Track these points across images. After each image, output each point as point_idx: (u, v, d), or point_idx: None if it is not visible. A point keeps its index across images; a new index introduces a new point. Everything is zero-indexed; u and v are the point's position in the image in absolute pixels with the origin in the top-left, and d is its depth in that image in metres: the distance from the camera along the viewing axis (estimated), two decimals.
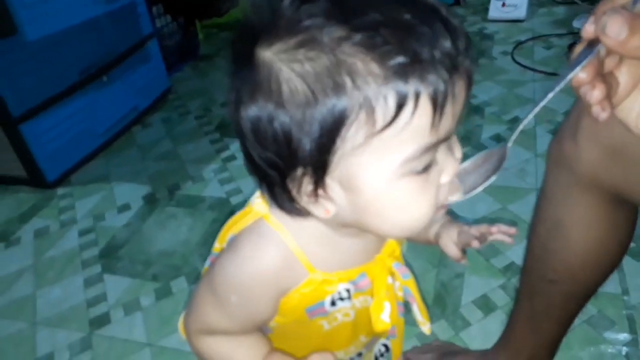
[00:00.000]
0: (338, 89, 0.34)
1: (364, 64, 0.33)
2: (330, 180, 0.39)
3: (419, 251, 1.27)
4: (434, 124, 0.35)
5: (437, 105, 0.34)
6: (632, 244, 1.22)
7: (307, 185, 0.39)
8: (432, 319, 1.14)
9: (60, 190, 1.77)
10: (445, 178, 0.40)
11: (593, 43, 0.33)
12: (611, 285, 1.16)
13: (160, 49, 2.21)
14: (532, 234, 0.77)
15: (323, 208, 0.41)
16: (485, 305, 1.16)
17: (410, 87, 0.33)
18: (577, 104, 0.65)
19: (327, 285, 0.49)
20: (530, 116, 0.38)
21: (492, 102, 1.94)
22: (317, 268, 0.48)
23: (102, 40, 1.87)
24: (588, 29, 0.33)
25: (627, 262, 1.21)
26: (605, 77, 0.36)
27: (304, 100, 0.35)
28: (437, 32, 0.34)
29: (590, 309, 1.11)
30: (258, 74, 0.36)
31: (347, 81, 0.33)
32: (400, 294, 0.54)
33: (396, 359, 0.63)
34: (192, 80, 2.50)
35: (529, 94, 1.95)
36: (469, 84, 0.37)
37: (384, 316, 0.51)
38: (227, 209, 1.56)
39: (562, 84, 0.35)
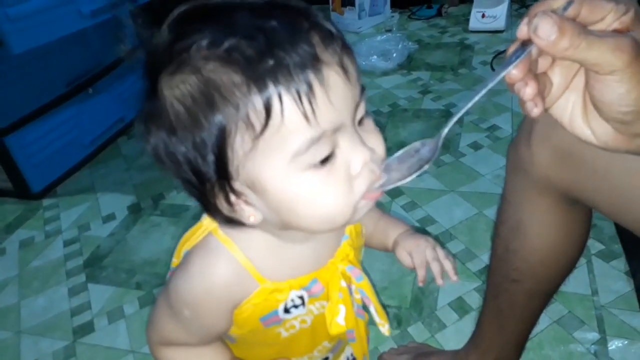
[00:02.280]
0: (211, 105, 0.36)
1: (228, 77, 0.36)
2: (240, 187, 0.41)
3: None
4: (308, 118, 0.36)
5: (302, 102, 0.36)
6: (601, 246, 1.28)
7: (221, 196, 0.41)
8: (409, 321, 1.18)
9: (45, 201, 1.78)
10: (355, 168, 0.40)
11: (526, 43, 0.35)
12: (581, 286, 1.20)
13: None
14: (495, 235, 0.80)
15: (247, 214, 0.43)
16: (460, 307, 1.20)
17: (271, 89, 0.35)
18: None
19: (278, 293, 0.50)
20: (463, 112, 0.39)
21: (471, 110, 1.99)
22: (267, 278, 0.49)
23: (89, 52, 1.89)
24: (522, 29, 0.36)
25: (597, 263, 1.25)
26: (540, 78, 0.39)
27: (188, 122, 0.38)
28: (297, 35, 0.36)
29: (560, 309, 1.15)
30: (153, 105, 0.40)
31: (217, 96, 0.36)
32: (357, 296, 0.55)
33: (361, 359, 0.64)
34: None
35: (507, 103, 2.00)
36: (346, 72, 0.38)
37: (339, 319, 0.52)
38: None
39: (495, 81, 0.37)
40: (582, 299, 1.17)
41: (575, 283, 1.20)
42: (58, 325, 1.30)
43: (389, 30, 2.86)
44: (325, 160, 0.39)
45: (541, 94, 0.38)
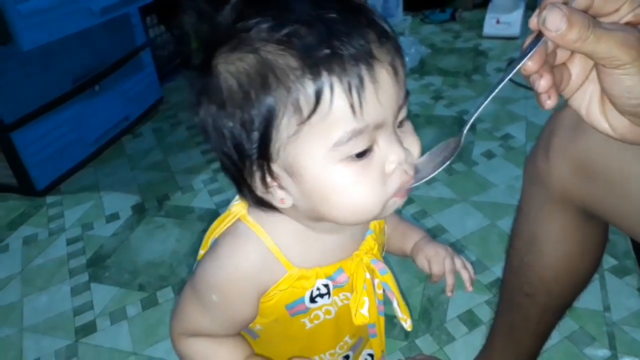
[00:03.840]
0: (265, 84, 0.37)
1: (284, 60, 0.37)
2: (277, 169, 0.42)
3: (406, 266, 1.27)
4: (355, 111, 0.37)
5: (352, 94, 0.37)
6: (614, 262, 1.25)
7: (258, 175, 0.42)
8: (418, 333, 1.15)
9: (49, 199, 1.77)
10: (390, 166, 0.42)
11: (540, 35, 0.35)
12: (593, 302, 1.17)
13: (153, 58, 2.23)
14: (510, 248, 0.78)
15: (278, 197, 0.44)
16: (470, 320, 1.17)
17: (324, 78, 0.36)
18: (549, 122, 0.67)
19: (305, 281, 0.50)
20: (483, 106, 0.39)
21: (484, 118, 1.96)
22: (295, 265, 0.49)
23: (96, 50, 1.89)
24: (532, 21, 0.35)
25: (610, 279, 1.22)
26: (558, 69, 0.39)
27: (239, 98, 0.39)
28: (355, 29, 0.37)
29: (571, 324, 1.12)
30: (207, 80, 0.41)
31: (271, 77, 0.37)
32: (379, 291, 0.55)
33: (379, 356, 0.64)
34: (184, 91, 2.48)
35: (520, 111, 1.98)
36: (396, 73, 0.40)
37: (364, 310, 0.52)
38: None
39: (511, 73, 0.37)
40: (593, 315, 1.14)
41: (587, 299, 1.17)
42: (60, 324, 1.28)
43: (401, 34, 2.84)
44: (362, 154, 0.40)
45: (556, 86, 0.38)
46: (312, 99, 0.37)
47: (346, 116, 0.37)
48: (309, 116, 0.37)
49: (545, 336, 0.84)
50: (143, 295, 1.33)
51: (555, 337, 1.09)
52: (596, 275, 1.22)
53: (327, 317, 0.54)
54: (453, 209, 1.51)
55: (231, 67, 0.39)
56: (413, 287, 1.26)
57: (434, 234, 1.42)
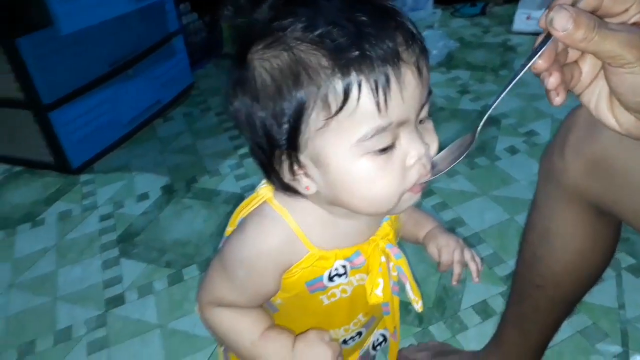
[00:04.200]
0: (297, 81, 0.40)
1: (316, 59, 0.40)
2: (304, 159, 0.45)
3: (423, 256, 1.29)
4: (380, 109, 0.40)
5: (378, 93, 0.39)
6: (632, 260, 1.25)
7: (286, 164, 0.46)
8: (431, 320, 1.18)
9: (83, 177, 1.85)
10: (410, 160, 0.44)
11: (550, 35, 0.37)
12: (608, 299, 1.18)
13: (185, 45, 2.29)
14: (524, 241, 0.81)
15: (304, 184, 0.47)
16: (483, 310, 1.20)
17: (353, 77, 0.39)
18: (566, 120, 0.69)
19: (325, 261, 0.53)
20: (495, 105, 0.41)
21: (509, 114, 1.97)
22: (316, 246, 0.53)
23: (131, 35, 1.95)
24: (541, 20, 0.37)
25: (627, 277, 1.23)
26: (569, 67, 0.40)
27: (272, 92, 0.42)
28: (383, 32, 0.40)
29: (585, 320, 1.14)
30: (242, 72, 0.44)
31: (303, 73, 0.40)
32: (394, 274, 0.58)
33: (392, 331, 0.67)
34: (214, 77, 2.57)
35: (546, 109, 1.97)
36: (420, 74, 0.42)
37: (378, 291, 0.56)
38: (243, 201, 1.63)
39: (523, 71, 0.39)
40: (607, 312, 1.15)
41: (603, 295, 1.19)
42: (91, 295, 1.35)
43: (430, 27, 2.84)
44: (384, 149, 0.43)
45: (565, 84, 0.40)
46: (341, 97, 0.39)
47: (371, 114, 0.40)
48: (337, 112, 0.40)
49: (554, 328, 0.86)
50: (170, 271, 1.40)
51: (567, 331, 1.12)
52: (613, 273, 1.24)
53: (343, 295, 0.58)
54: (473, 202, 1.53)
55: (266, 63, 0.42)
56: (429, 276, 1.29)
57: (453, 227, 1.44)
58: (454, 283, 0.65)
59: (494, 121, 1.92)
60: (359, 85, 0.39)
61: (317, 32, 0.39)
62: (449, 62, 2.44)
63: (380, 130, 0.41)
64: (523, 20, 2.65)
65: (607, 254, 0.76)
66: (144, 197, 1.72)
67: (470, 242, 1.39)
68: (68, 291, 1.37)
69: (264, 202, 0.54)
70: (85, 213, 1.67)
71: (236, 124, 0.47)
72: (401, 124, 0.42)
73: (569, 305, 0.82)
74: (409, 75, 0.41)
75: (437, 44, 2.46)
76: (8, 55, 1.60)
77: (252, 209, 0.55)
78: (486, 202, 1.53)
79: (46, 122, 1.73)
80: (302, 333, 0.57)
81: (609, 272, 1.24)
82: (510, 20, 2.74)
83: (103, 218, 1.64)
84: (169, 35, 2.16)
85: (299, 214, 0.52)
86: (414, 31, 0.42)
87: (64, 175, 1.85)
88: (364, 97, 0.40)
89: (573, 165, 0.67)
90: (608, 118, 0.41)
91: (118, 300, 1.33)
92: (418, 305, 0.61)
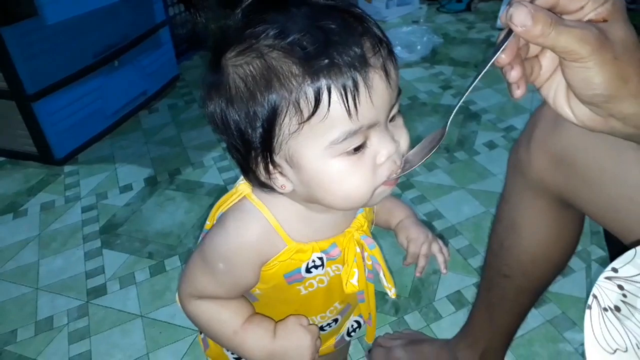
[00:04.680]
0: (269, 87, 0.42)
1: (287, 67, 0.41)
2: (279, 160, 0.47)
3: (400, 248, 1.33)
4: (350, 113, 0.42)
5: (347, 98, 0.41)
6: (602, 253, 1.29)
7: (262, 164, 0.47)
8: (407, 310, 1.22)
9: (67, 168, 1.86)
10: (380, 159, 0.46)
11: (512, 30, 0.38)
12: (577, 290, 1.22)
13: (171, 36, 2.28)
14: (492, 232, 0.84)
15: (279, 183, 0.49)
16: (457, 300, 1.23)
17: (322, 84, 0.41)
18: (532, 116, 0.72)
19: (302, 254, 0.56)
20: (462, 100, 0.43)
21: (489, 109, 2.00)
22: (293, 239, 0.55)
23: (117, 25, 1.95)
24: (502, 16, 0.39)
25: (596, 269, 1.27)
26: (530, 61, 0.42)
27: (246, 97, 0.44)
28: (350, 38, 0.41)
29: (554, 309, 1.18)
30: (217, 77, 0.45)
31: (275, 80, 0.42)
32: (369, 262, 0.61)
33: (367, 317, 0.70)
34: (200, 69, 2.56)
35: (526, 104, 2.00)
36: (388, 76, 0.44)
37: (354, 280, 0.58)
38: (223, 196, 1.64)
39: (487, 66, 0.41)
40: (576, 302, 1.19)
41: (572, 286, 1.23)
42: (73, 285, 1.37)
43: (416, 22, 2.86)
44: (356, 149, 0.45)
45: (526, 77, 0.41)
46: (312, 103, 0.41)
47: (342, 118, 0.42)
48: (309, 117, 0.42)
49: (521, 316, 0.89)
50: (151, 262, 1.41)
51: (537, 320, 1.15)
52: (583, 264, 1.27)
53: (320, 285, 0.60)
54: (451, 196, 1.57)
55: (239, 70, 0.43)
56: (405, 268, 1.31)
57: (431, 219, 1.48)
58: (417, 274, 0.68)
59: (474, 116, 1.95)
60: (329, 92, 0.41)
61: (287, 40, 0.41)
62: (433, 57, 2.47)
63: (352, 134, 0.43)
64: None
65: (571, 245, 0.80)
66: (127, 188, 1.73)
67: (446, 234, 1.42)
68: (50, 281, 1.38)
69: (244, 197, 0.56)
70: (68, 204, 1.67)
71: (212, 126, 0.48)
72: (371, 125, 0.44)
73: (535, 293, 0.85)
74: (377, 79, 0.42)
75: (422, 39, 2.49)
76: None
77: (231, 204, 0.57)
78: (463, 195, 1.57)
79: (30, 113, 1.73)
80: (281, 320, 0.60)
81: (579, 264, 1.28)
82: (495, 16, 2.77)
83: (86, 209, 1.65)
84: (156, 26, 2.15)
85: (276, 209, 0.54)
86: (381, 36, 0.44)
87: (47, 166, 1.86)
88: (334, 103, 0.41)
89: (538, 159, 0.69)
90: (565, 110, 0.43)
91: (100, 291, 1.34)
92: (391, 292, 0.63)
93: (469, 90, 0.43)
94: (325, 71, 0.40)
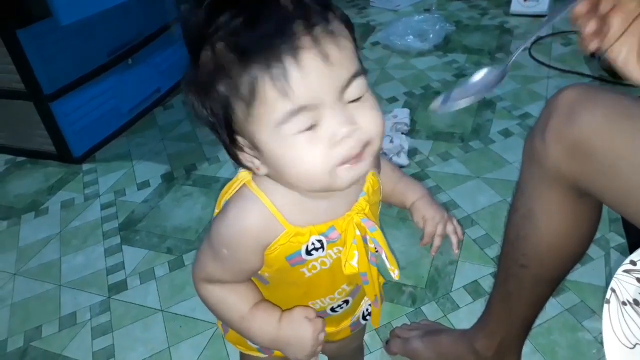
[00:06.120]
0: (218, 76, 0.46)
1: (228, 57, 0.44)
2: (244, 144, 0.50)
3: (417, 238, 1.33)
4: (285, 95, 0.43)
5: (278, 81, 0.43)
6: (621, 240, 1.28)
7: (237, 149, 0.51)
8: (424, 301, 1.22)
9: (85, 166, 1.88)
10: (335, 138, 0.46)
11: None
12: (596, 278, 1.21)
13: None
14: (508, 222, 0.83)
15: (255, 167, 0.52)
16: (475, 291, 1.23)
17: (255, 70, 0.43)
18: (547, 104, 0.71)
19: (300, 237, 0.57)
20: (532, 40, 0.43)
21: (504, 97, 1.98)
22: (291, 223, 0.57)
23: (130, 24, 1.97)
24: None
25: (615, 256, 1.26)
26: (600, 20, 0.42)
27: (203, 88, 0.47)
28: (283, 24, 0.43)
29: (573, 298, 1.17)
30: (190, 73, 0.48)
31: (221, 70, 0.45)
32: (371, 245, 0.62)
33: (372, 299, 0.71)
34: None
35: (541, 91, 1.98)
36: (326, 56, 0.44)
37: (353, 262, 0.60)
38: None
39: (564, 12, 0.40)
40: (595, 290, 1.18)
41: (591, 274, 1.22)
42: (94, 281, 1.40)
43: (428, 10, 2.83)
44: (309, 129, 0.46)
45: (598, 33, 0.41)
46: (248, 89, 0.44)
47: (280, 100, 0.44)
48: (251, 102, 0.45)
49: (539, 306, 0.89)
50: (170, 257, 1.43)
51: (556, 308, 1.15)
52: (602, 252, 1.26)
53: (323, 267, 0.62)
54: (466, 185, 1.56)
55: (202, 64, 0.46)
56: (422, 258, 1.32)
57: (446, 209, 1.47)
58: (432, 253, 0.71)
59: (488, 104, 1.93)
60: (262, 77, 0.43)
61: (228, 30, 0.44)
62: (445, 45, 2.45)
63: (294, 114, 0.44)
64: (520, 2, 2.64)
65: (589, 234, 0.79)
66: (144, 185, 1.75)
67: (462, 224, 1.41)
68: (72, 278, 1.41)
69: (243, 184, 0.58)
70: (87, 202, 1.70)
71: (196, 120, 0.51)
72: (317, 106, 0.45)
73: (552, 283, 0.85)
74: (310, 60, 0.43)
75: (434, 27, 2.46)
76: (9, 47, 1.62)
77: (233, 192, 0.59)
78: (479, 184, 1.56)
79: (47, 113, 1.76)
80: (288, 309, 0.62)
81: (597, 252, 1.27)
82: (507, 2, 2.73)
83: (105, 206, 1.67)
84: (169, 23, 2.17)
85: (274, 195, 0.56)
86: (317, 17, 0.44)
87: (66, 164, 1.89)
88: (267, 88, 0.43)
89: (554, 149, 0.69)
90: (635, 74, 0.43)
91: (121, 286, 1.37)
92: (394, 274, 0.64)
93: (539, 32, 0.41)
94: (256, 57, 0.43)
